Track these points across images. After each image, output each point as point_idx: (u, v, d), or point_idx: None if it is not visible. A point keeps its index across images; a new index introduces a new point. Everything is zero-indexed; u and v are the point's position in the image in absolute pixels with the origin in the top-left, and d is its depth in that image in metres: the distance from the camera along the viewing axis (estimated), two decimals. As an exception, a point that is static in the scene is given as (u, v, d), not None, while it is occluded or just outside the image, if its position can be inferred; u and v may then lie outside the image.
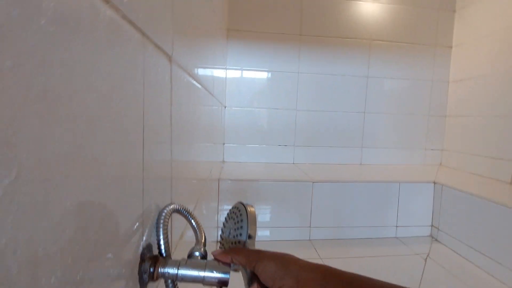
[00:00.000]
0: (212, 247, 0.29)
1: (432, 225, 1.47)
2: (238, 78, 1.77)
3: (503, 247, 1.09)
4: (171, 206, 0.28)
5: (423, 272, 1.14)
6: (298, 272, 0.26)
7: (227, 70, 1.74)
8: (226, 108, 1.76)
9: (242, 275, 0.28)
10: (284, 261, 0.27)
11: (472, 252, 1.22)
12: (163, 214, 0.27)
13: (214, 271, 0.25)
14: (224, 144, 1.77)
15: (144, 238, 0.25)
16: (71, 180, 0.15)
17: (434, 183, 1.45)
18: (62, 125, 0.15)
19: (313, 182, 1.37)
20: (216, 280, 0.25)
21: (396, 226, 1.45)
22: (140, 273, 0.24)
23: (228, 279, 0.25)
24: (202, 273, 0.25)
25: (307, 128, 1.81)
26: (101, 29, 0.18)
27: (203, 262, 0.26)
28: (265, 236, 1.37)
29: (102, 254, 0.19)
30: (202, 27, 0.67)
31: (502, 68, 1.54)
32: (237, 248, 0.29)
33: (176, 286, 0.26)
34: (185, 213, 0.30)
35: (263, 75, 1.78)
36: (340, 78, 1.82)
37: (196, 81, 0.56)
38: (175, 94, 0.36)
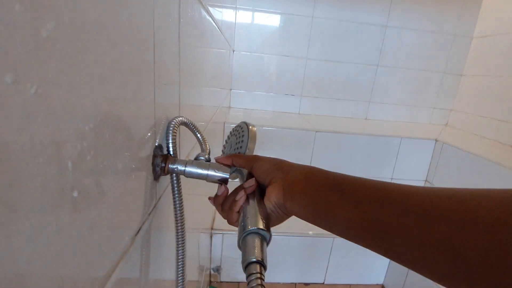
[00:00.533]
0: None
1: (426, 180, 1.54)
2: (248, 20, 1.68)
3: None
4: (180, 118, 0.31)
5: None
6: (289, 169, 0.29)
7: (237, 11, 1.64)
8: (235, 52, 1.71)
9: (239, 179, 0.32)
10: (277, 161, 0.31)
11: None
12: (173, 122, 0.30)
13: (216, 170, 0.29)
14: (231, 90, 1.77)
15: (157, 141, 0.29)
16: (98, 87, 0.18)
17: (436, 140, 1.47)
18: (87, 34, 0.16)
19: (315, 132, 1.41)
20: (218, 178, 0.29)
21: (391, 179, 1.52)
22: (154, 167, 0.28)
23: (227, 177, 0.30)
24: (205, 171, 0.29)
25: (316, 78, 1.78)
26: None
27: (207, 163, 0.30)
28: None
29: (121, 150, 0.22)
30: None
31: (534, 23, 1.42)
32: (237, 153, 0.33)
33: (179, 182, 0.30)
34: (192, 127, 0.34)
35: (275, 18, 1.68)
36: (356, 26, 1.71)
37: (209, 17, 0.55)
38: (183, 34, 0.36)
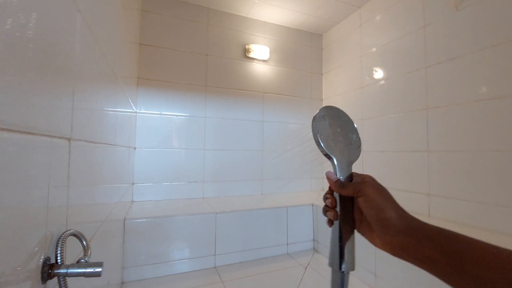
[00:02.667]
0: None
1: (313, 239, 1.84)
2: (148, 121, 1.90)
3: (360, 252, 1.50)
4: (70, 231, 0.43)
5: (301, 278, 1.43)
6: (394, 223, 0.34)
7: (138, 114, 1.86)
8: (136, 149, 1.85)
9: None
10: (384, 208, 0.35)
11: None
12: (62, 236, 0.42)
13: (91, 268, 0.41)
14: (133, 184, 1.82)
15: (44, 254, 0.40)
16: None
17: (312, 204, 1.86)
18: None
19: (216, 213, 1.57)
20: (94, 271, 0.41)
21: (287, 244, 1.76)
22: (42, 274, 0.38)
23: (100, 272, 0.42)
24: (83, 270, 0.40)
25: (214, 165, 2.05)
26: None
27: (85, 263, 0.41)
28: (175, 269, 1.46)
29: (15, 265, 0.34)
30: (97, 77, 0.84)
31: (353, 117, 2.16)
32: (345, 182, 0.39)
33: (65, 282, 0.40)
34: (79, 236, 0.46)
35: (173, 118, 1.97)
36: (241, 122, 2.17)
37: (96, 143, 0.72)
38: (72, 166, 0.52)
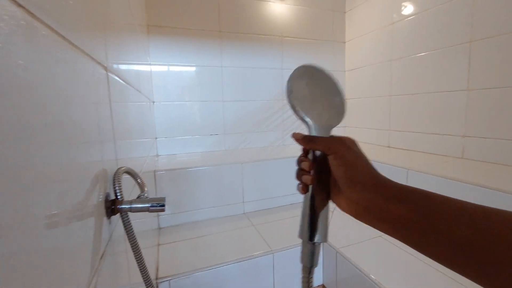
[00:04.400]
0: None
1: (338, 186, 1.86)
2: (164, 74, 1.82)
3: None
4: (123, 168, 0.41)
5: (331, 217, 1.47)
6: (362, 175, 0.30)
7: (152, 66, 1.78)
8: (155, 103, 1.81)
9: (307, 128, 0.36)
10: (353, 160, 0.31)
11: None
12: (117, 172, 0.40)
13: (156, 202, 0.40)
14: (156, 138, 1.83)
15: (105, 191, 0.38)
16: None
17: (337, 152, 1.83)
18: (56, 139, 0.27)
19: (242, 163, 1.58)
20: (158, 206, 0.40)
21: (312, 191, 1.78)
22: (106, 209, 0.37)
23: (164, 206, 0.40)
24: (147, 205, 0.39)
25: (234, 117, 2.01)
26: (70, 61, 0.30)
27: (147, 199, 0.40)
28: (207, 215, 1.53)
29: (82, 201, 0.32)
30: (123, 25, 0.76)
31: (378, 59, 2.00)
32: (313, 136, 0.35)
33: (128, 218, 0.39)
34: (133, 173, 0.44)
35: (189, 69, 1.88)
36: (259, 71, 2.05)
37: (127, 83, 0.67)
38: (112, 97, 0.48)
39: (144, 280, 0.51)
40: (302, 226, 0.35)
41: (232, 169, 1.57)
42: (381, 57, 1.97)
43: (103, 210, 0.36)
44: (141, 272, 0.47)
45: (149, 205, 0.39)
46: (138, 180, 0.44)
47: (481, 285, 0.21)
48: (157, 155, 1.83)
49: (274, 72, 2.09)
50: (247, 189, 1.61)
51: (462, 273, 0.22)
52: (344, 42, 2.35)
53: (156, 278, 1.05)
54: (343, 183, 0.31)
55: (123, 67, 0.66)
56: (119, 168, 0.41)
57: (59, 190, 0.25)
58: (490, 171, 1.19)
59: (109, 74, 0.46)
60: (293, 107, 0.36)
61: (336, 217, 1.51)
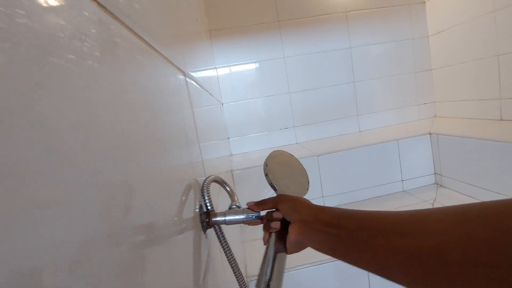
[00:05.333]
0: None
1: (435, 173, 1.58)
2: (228, 75, 1.86)
3: (499, 178, 1.20)
4: (211, 177, 0.39)
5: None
6: (303, 210, 0.35)
7: (217, 69, 1.83)
8: (224, 105, 1.86)
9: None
10: (295, 203, 0.37)
11: (474, 188, 1.33)
12: (206, 182, 0.37)
13: (250, 213, 0.36)
14: (228, 138, 1.88)
15: (198, 202, 0.36)
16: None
17: (430, 133, 1.55)
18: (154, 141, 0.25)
19: (317, 156, 1.48)
20: (254, 218, 0.36)
21: (402, 181, 1.56)
22: (201, 223, 0.34)
23: (260, 214, 0.36)
24: (242, 216, 0.35)
25: (303, 107, 1.91)
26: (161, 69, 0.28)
27: (241, 209, 0.37)
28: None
29: (179, 214, 0.30)
30: (192, 32, 0.77)
31: (474, 14, 1.61)
32: (263, 200, 0.40)
33: (221, 230, 0.37)
34: (221, 182, 0.41)
35: (252, 66, 1.87)
36: (324, 55, 1.89)
37: (201, 87, 0.66)
38: (193, 102, 0.46)
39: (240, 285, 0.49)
40: (259, 275, 0.37)
41: (307, 163, 1.48)
42: (478, 9, 1.57)
43: (199, 224, 0.34)
44: (237, 281, 0.45)
45: (243, 217, 0.35)
46: (227, 188, 0.42)
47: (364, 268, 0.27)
48: (231, 155, 1.88)
49: (341, 53, 1.91)
50: (325, 182, 1.50)
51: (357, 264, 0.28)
52: (424, 2, 1.97)
53: (246, 277, 1.06)
54: (289, 218, 0.36)
55: (196, 72, 0.66)
56: (207, 177, 0.38)
57: (161, 202, 0.22)
58: None
59: (187, 79, 0.44)
60: (266, 176, 0.45)
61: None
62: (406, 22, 1.96)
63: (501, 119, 1.55)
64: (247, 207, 0.37)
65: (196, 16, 0.80)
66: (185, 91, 0.41)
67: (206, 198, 0.36)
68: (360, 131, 1.97)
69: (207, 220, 0.35)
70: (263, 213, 0.39)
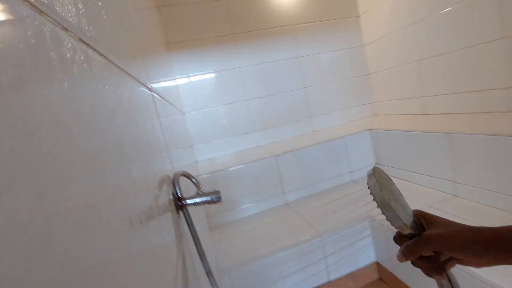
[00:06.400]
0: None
1: (376, 163, 1.82)
2: (189, 85, 1.93)
3: (426, 162, 1.45)
4: (180, 172, 0.48)
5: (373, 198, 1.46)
6: (464, 242, 0.35)
7: (177, 80, 1.90)
8: (185, 114, 1.92)
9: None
10: (451, 237, 0.36)
11: (407, 172, 1.58)
12: (176, 176, 0.47)
13: (213, 195, 0.46)
14: (192, 146, 1.94)
15: (170, 191, 0.45)
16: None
17: (369, 129, 1.79)
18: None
19: (276, 156, 1.62)
20: (215, 199, 0.46)
21: (350, 172, 1.77)
22: (175, 206, 0.44)
23: (220, 197, 0.46)
24: (207, 198, 0.45)
25: (261, 113, 2.06)
26: (132, 87, 0.37)
27: (205, 193, 0.46)
28: (251, 210, 1.60)
29: (156, 201, 0.39)
30: (152, 47, 0.85)
31: (398, 26, 1.91)
32: (409, 246, 0.39)
33: (189, 214, 0.46)
34: (188, 175, 0.51)
35: (211, 76, 1.97)
36: (277, 63, 2.07)
37: (164, 99, 0.75)
38: (160, 113, 0.55)
39: (206, 272, 0.58)
40: None
41: (268, 163, 1.62)
42: (401, 22, 1.88)
43: (173, 207, 0.43)
44: (203, 264, 0.54)
45: (208, 198, 0.45)
46: (193, 180, 0.51)
47: None
48: (196, 162, 1.95)
49: (291, 62, 2.11)
50: (286, 179, 1.65)
51: None
52: (358, 16, 2.27)
53: (217, 272, 1.14)
54: (456, 255, 0.36)
55: (158, 85, 0.74)
56: (177, 172, 0.48)
57: (144, 193, 0.32)
58: (543, 120, 1.10)
59: (153, 94, 0.53)
60: (390, 214, 0.39)
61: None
62: (345, 33, 2.24)
63: (424, 113, 1.86)
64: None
65: (153, 30, 0.87)
66: (152, 104, 0.50)
67: (177, 187, 0.46)
68: (313, 131, 2.17)
69: (179, 203, 0.44)
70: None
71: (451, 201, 1.26)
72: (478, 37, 1.42)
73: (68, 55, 0.20)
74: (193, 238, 0.48)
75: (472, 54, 1.47)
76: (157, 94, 0.63)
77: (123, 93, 0.33)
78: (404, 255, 0.39)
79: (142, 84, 0.47)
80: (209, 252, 1.04)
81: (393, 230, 0.40)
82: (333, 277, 1.27)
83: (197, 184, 0.51)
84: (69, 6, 0.22)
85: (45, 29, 0.17)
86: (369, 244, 1.30)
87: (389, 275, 1.30)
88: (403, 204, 0.40)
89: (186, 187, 0.62)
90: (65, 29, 0.20)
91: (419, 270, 0.41)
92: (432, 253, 0.38)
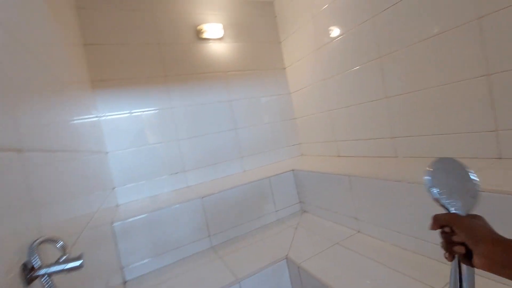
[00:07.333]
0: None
1: (300, 201, 1.95)
2: (114, 123, 1.85)
3: (338, 201, 1.61)
4: (41, 238, 0.45)
5: (293, 237, 1.54)
6: (490, 243, 0.39)
7: (101, 118, 1.81)
8: (109, 153, 1.82)
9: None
10: (475, 232, 0.41)
11: (323, 211, 1.72)
12: (34, 243, 0.44)
13: (71, 262, 0.44)
14: (114, 188, 1.81)
15: (21, 261, 0.42)
16: None
17: (293, 170, 1.94)
18: None
19: (202, 198, 1.62)
20: (72, 266, 0.44)
21: (276, 211, 1.85)
22: (24, 279, 0.40)
23: (81, 263, 0.45)
24: (62, 266, 0.43)
25: (192, 153, 2.06)
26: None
27: (64, 260, 0.44)
28: (171, 258, 1.51)
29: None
30: (49, 88, 0.82)
31: (313, 80, 2.21)
32: (437, 215, 0.45)
33: (51, 283, 0.43)
34: (52, 240, 0.48)
35: (139, 116, 1.93)
36: (209, 106, 2.16)
37: (52, 150, 0.71)
38: (30, 174, 0.52)
39: None
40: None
41: (194, 205, 1.60)
42: (317, 77, 2.18)
43: (18, 279, 0.40)
44: None
45: (64, 267, 0.43)
46: (58, 245, 0.48)
47: None
48: (117, 205, 1.80)
49: (223, 105, 2.22)
50: (212, 221, 1.63)
51: None
52: (284, 68, 2.57)
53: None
54: (473, 248, 0.40)
55: (48, 134, 0.71)
56: (36, 239, 0.45)
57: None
58: (422, 167, 1.36)
59: (24, 154, 0.51)
60: (435, 197, 0.46)
61: (298, 234, 1.58)
62: (274, 82, 2.49)
63: (338, 155, 2.10)
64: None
65: (55, 74, 0.85)
66: (18, 167, 0.48)
67: (34, 256, 0.43)
68: (244, 171, 2.25)
69: (29, 275, 0.41)
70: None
71: (356, 237, 1.41)
72: (369, 95, 1.74)
73: None
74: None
75: (366, 109, 1.78)
76: (33, 151, 0.60)
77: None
78: (431, 222, 0.45)
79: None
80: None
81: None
82: None
83: (63, 249, 0.48)
84: None
85: None
86: (287, 284, 1.33)
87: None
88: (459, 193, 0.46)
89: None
90: None
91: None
92: (449, 230, 0.44)
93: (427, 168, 0.47)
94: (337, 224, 1.60)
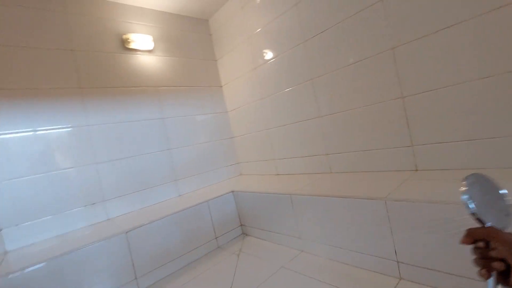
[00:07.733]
0: None
1: (241, 225, 1.84)
2: (8, 144, 1.45)
3: (280, 222, 1.56)
4: None
5: (236, 266, 1.41)
6: None
7: (-16, 139, 1.39)
8: (-6, 184, 1.39)
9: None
10: None
11: (265, 232, 1.65)
12: None
13: None
14: (1, 230, 1.38)
15: None
16: None
17: (233, 191, 1.84)
18: None
19: (126, 232, 1.36)
20: None
21: (216, 238, 1.70)
22: None
23: None
24: None
25: (114, 178, 1.76)
26: None
27: None
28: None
29: None
30: None
31: (251, 99, 2.21)
32: (472, 229, 0.44)
33: None
34: None
35: (45, 134, 1.56)
36: (138, 124, 1.91)
37: None
38: None
39: None
40: None
41: (115, 243, 1.32)
42: (254, 96, 2.19)
43: None
44: None
45: None
46: None
47: None
48: (6, 252, 1.37)
49: (154, 122, 2.00)
50: (140, 260, 1.38)
51: None
52: (221, 86, 2.51)
53: None
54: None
55: None
56: None
57: None
58: (355, 181, 1.42)
59: None
60: (472, 211, 0.45)
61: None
62: (211, 99, 2.39)
63: (278, 174, 2.10)
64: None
65: None
66: None
67: None
68: (180, 195, 2.03)
69: None
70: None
71: (300, 257, 1.37)
72: (304, 114, 1.81)
73: None
74: None
75: (302, 127, 1.84)
76: None
77: None
78: (464, 236, 0.44)
79: None
80: None
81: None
82: None
83: None
84: None
85: None
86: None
87: None
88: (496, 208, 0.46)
89: None
90: None
91: None
92: (483, 245, 0.43)
93: (463, 182, 0.48)
94: (280, 246, 1.54)
